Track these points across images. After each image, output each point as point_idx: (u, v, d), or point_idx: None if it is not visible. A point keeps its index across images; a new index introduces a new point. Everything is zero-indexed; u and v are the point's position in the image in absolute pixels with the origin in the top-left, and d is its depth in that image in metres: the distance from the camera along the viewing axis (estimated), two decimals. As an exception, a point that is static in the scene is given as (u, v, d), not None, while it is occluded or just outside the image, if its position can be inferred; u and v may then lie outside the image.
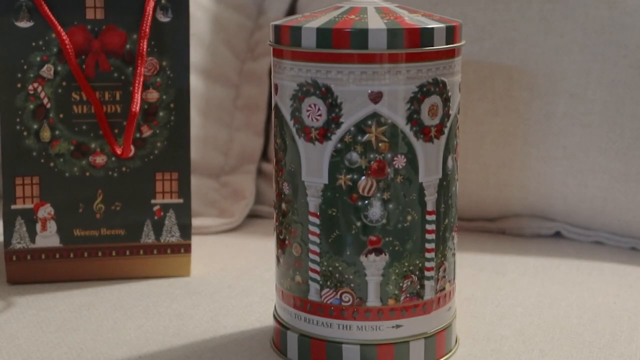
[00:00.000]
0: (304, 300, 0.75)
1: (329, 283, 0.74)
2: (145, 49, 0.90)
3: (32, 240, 0.92)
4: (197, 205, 1.11)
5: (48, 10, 0.89)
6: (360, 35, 0.70)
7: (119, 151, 0.90)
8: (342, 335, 0.74)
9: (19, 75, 0.90)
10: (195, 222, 1.09)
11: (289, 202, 0.75)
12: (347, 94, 0.71)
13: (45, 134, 0.91)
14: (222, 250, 1.04)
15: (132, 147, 0.92)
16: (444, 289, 0.76)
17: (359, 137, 0.72)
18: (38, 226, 0.92)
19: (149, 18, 0.90)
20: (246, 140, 1.19)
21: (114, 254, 0.94)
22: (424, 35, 0.71)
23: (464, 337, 0.81)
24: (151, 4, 0.90)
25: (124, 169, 0.93)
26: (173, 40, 0.92)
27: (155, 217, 0.94)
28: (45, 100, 0.91)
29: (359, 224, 0.73)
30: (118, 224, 0.94)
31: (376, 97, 0.71)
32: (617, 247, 1.05)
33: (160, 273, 0.95)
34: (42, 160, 0.91)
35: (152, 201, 0.94)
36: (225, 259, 1.01)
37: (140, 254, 0.94)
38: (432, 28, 0.71)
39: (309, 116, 0.73)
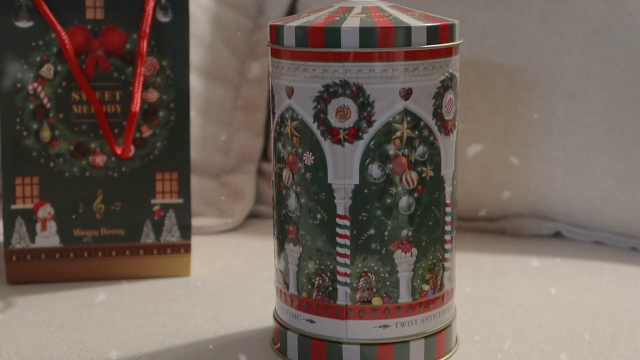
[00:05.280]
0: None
1: (276, 264, 0.78)
2: (145, 49, 0.90)
3: (32, 240, 0.92)
4: (197, 205, 1.11)
5: (48, 10, 0.89)
6: (278, 32, 0.74)
7: (118, 151, 0.90)
8: (281, 315, 0.77)
9: (19, 75, 0.90)
10: (195, 222, 1.09)
11: None
12: (276, 86, 0.75)
13: (45, 134, 0.91)
14: (222, 250, 1.04)
15: (132, 147, 0.92)
16: (369, 301, 0.74)
17: (282, 129, 0.75)
18: (38, 226, 0.92)
19: (149, 18, 0.90)
20: (246, 140, 1.19)
21: (114, 254, 0.94)
22: (328, 36, 0.71)
23: (464, 337, 0.81)
24: (151, 4, 0.90)
25: (124, 169, 0.93)
26: (173, 40, 0.92)
27: (155, 217, 0.94)
28: (45, 100, 0.91)
29: (283, 211, 0.76)
30: (118, 224, 0.94)
31: (289, 93, 0.73)
32: (617, 247, 1.05)
33: (160, 273, 0.95)
34: (42, 160, 0.91)
35: (152, 201, 0.94)
36: (225, 259, 1.01)
37: (140, 254, 0.94)
38: (337, 29, 0.70)
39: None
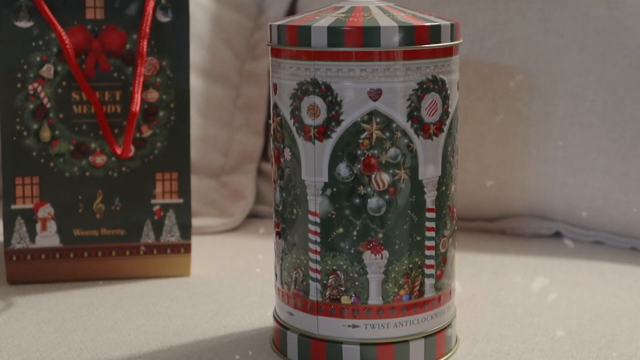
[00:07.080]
0: None
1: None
2: (145, 49, 0.90)
3: (32, 240, 0.92)
4: (197, 205, 1.11)
5: (48, 10, 0.89)
6: (270, 30, 0.75)
7: (119, 151, 0.90)
8: (281, 315, 0.78)
9: (19, 75, 0.90)
10: (195, 222, 1.09)
11: None
12: (271, 84, 0.76)
13: (45, 134, 0.91)
14: (222, 250, 1.04)
15: (132, 147, 0.92)
16: (337, 299, 0.74)
17: (272, 125, 0.76)
18: (38, 226, 0.92)
19: (149, 18, 0.90)
20: (246, 140, 1.19)
21: (114, 254, 0.94)
22: (300, 34, 0.71)
23: (464, 337, 0.81)
24: (151, 4, 0.90)
25: (124, 169, 0.93)
26: (173, 40, 0.92)
27: (155, 217, 0.94)
28: (45, 100, 0.91)
29: (274, 204, 0.77)
30: (118, 224, 0.94)
31: (274, 89, 0.75)
32: (617, 247, 1.05)
33: (160, 273, 0.95)
34: (42, 160, 0.91)
35: (152, 201, 0.94)
36: (225, 259, 1.01)
37: (140, 254, 0.94)
38: (308, 27, 0.71)
39: None
